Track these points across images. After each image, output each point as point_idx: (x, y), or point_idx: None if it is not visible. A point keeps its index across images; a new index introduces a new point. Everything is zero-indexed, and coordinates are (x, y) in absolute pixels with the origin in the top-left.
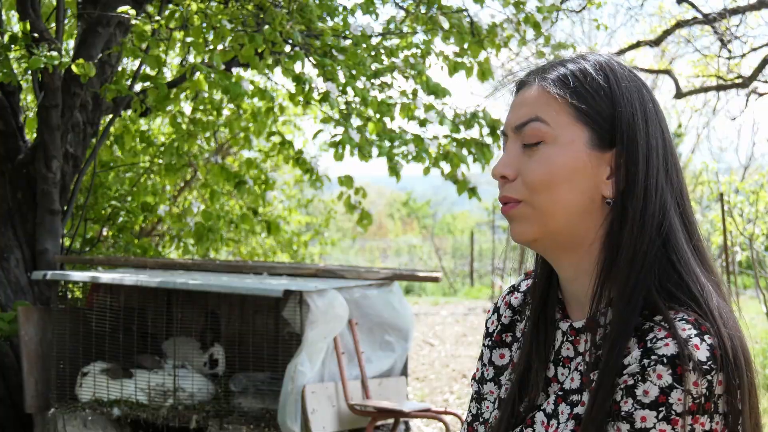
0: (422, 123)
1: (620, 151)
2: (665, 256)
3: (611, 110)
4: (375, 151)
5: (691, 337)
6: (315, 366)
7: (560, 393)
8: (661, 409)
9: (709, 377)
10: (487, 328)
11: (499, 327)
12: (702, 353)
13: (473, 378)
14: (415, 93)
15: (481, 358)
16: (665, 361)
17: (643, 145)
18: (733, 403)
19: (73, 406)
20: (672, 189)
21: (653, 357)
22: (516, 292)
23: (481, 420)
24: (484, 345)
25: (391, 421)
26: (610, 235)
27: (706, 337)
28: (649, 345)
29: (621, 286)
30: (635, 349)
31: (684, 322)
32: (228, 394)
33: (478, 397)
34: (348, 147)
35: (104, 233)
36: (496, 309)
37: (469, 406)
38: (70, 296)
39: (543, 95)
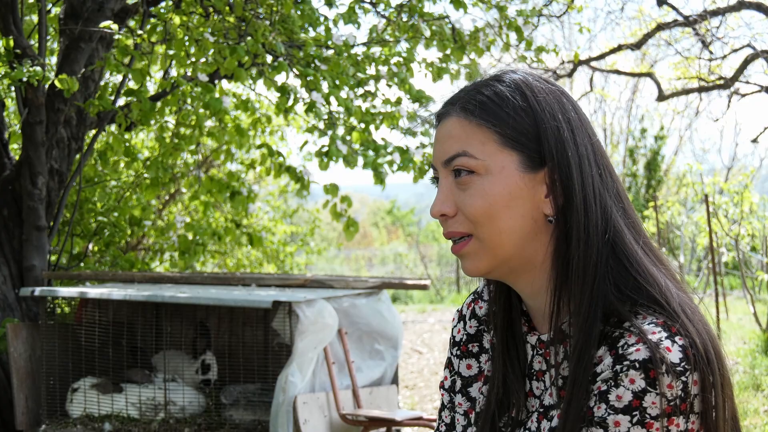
0: (407, 132)
1: (552, 168)
2: (617, 262)
3: (535, 129)
4: (360, 161)
5: (662, 340)
6: (306, 376)
7: (540, 410)
8: (635, 413)
9: (683, 378)
10: (453, 337)
11: (465, 337)
12: (674, 355)
13: (441, 386)
14: (399, 101)
15: (449, 365)
16: (637, 366)
17: (573, 155)
18: (708, 401)
19: (64, 422)
20: (608, 192)
21: (625, 362)
22: (480, 301)
23: None
24: (451, 354)
25: (383, 429)
26: (558, 251)
27: (677, 338)
28: (620, 351)
29: (578, 299)
30: (607, 357)
31: (653, 325)
32: (219, 406)
33: (451, 406)
34: (330, 152)
35: (91, 248)
36: (462, 317)
37: (441, 415)
38: (58, 312)
39: (465, 126)
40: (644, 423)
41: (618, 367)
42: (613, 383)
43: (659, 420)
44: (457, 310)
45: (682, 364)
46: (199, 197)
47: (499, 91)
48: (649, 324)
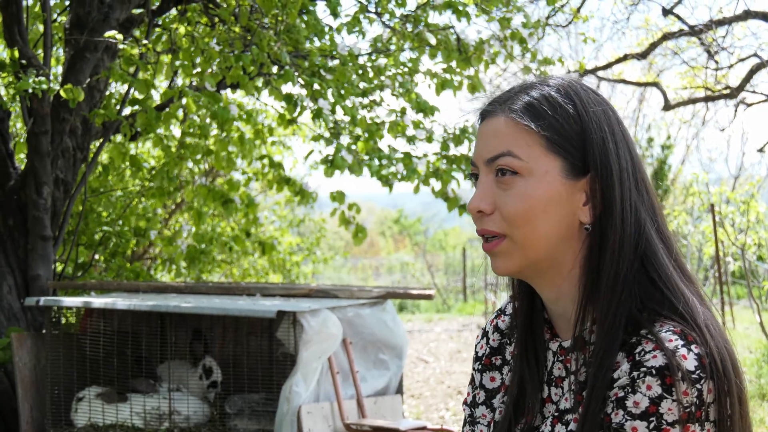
0: (411, 139)
1: (594, 177)
2: (645, 275)
3: (582, 137)
4: (366, 169)
5: (678, 348)
6: (310, 386)
7: (556, 414)
8: (651, 419)
9: (698, 386)
10: (476, 353)
11: (488, 350)
12: (690, 363)
13: (465, 402)
14: (403, 111)
15: (471, 382)
16: (654, 372)
17: (616, 168)
18: (722, 411)
19: (68, 431)
20: (644, 206)
21: (642, 369)
22: (503, 315)
23: None
24: (474, 369)
25: None
26: (590, 259)
27: (693, 346)
28: (637, 358)
29: (604, 308)
30: (624, 363)
31: (670, 333)
32: (224, 416)
33: (471, 420)
34: (335, 162)
35: (96, 258)
36: (485, 333)
37: (463, 430)
38: (63, 321)
39: (512, 126)
40: (661, 429)
41: (635, 373)
42: (630, 389)
43: (675, 426)
44: (482, 329)
45: (697, 371)
46: (196, 207)
47: (549, 95)
48: (666, 332)
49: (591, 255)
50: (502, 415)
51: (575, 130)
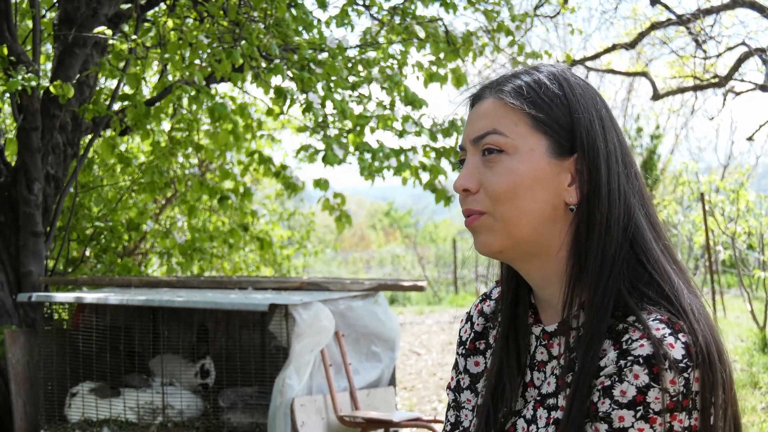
0: (401, 134)
1: (580, 157)
2: (634, 257)
3: (568, 118)
4: (356, 164)
5: (665, 337)
6: (303, 379)
7: (538, 398)
8: (638, 408)
9: (685, 375)
10: (460, 337)
11: (472, 335)
12: (677, 351)
13: (448, 387)
14: (392, 104)
15: (455, 366)
16: (641, 361)
17: (602, 150)
18: (708, 399)
19: (62, 426)
20: (633, 191)
21: (629, 358)
22: (488, 300)
23: (460, 429)
24: (458, 354)
25: (380, 431)
26: (577, 242)
27: (680, 335)
28: (624, 346)
29: (592, 291)
30: (611, 351)
31: (658, 321)
32: (217, 409)
33: (456, 405)
34: (327, 157)
35: (87, 253)
36: (469, 317)
37: (447, 415)
38: (55, 317)
39: (500, 107)
40: (647, 418)
41: (622, 362)
42: (617, 378)
43: (662, 415)
44: (466, 313)
45: (684, 360)
46: (188, 201)
47: (537, 78)
48: (653, 320)
49: (578, 237)
50: (482, 401)
51: (562, 110)
